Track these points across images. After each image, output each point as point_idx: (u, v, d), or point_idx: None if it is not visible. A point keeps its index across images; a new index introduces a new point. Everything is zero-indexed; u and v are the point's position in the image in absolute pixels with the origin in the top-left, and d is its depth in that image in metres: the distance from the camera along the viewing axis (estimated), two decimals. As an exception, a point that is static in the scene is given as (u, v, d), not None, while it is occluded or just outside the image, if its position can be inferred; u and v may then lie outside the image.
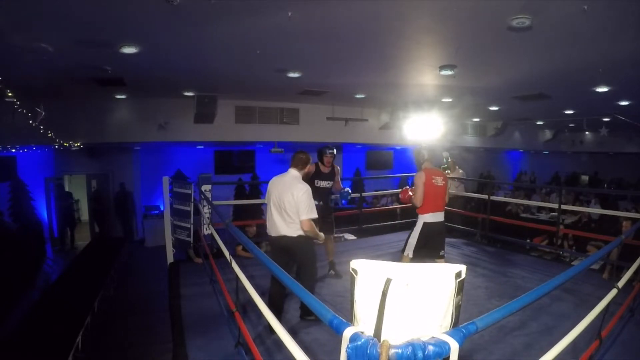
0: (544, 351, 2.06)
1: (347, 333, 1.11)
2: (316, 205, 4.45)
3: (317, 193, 4.63)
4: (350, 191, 5.03)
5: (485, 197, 6.69)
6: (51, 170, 10.91)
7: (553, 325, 3.47)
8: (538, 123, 12.62)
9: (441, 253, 4.18)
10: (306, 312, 3.55)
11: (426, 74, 6.00)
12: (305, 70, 5.96)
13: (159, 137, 8.91)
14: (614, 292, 2.65)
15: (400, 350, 0.99)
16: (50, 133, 7.25)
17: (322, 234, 3.70)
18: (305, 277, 3.49)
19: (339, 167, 4.99)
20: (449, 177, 7.54)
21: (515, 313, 1.57)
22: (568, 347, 2.15)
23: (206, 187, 5.59)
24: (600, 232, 6.58)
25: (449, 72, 5.52)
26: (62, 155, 10.49)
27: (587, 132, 14.93)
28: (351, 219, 7.19)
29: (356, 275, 1.19)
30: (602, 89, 6.67)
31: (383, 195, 11.87)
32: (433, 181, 4.08)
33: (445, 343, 1.05)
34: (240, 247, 5.41)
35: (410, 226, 4.37)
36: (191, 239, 5.39)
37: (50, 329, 5.40)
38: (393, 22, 3.85)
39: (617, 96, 7.38)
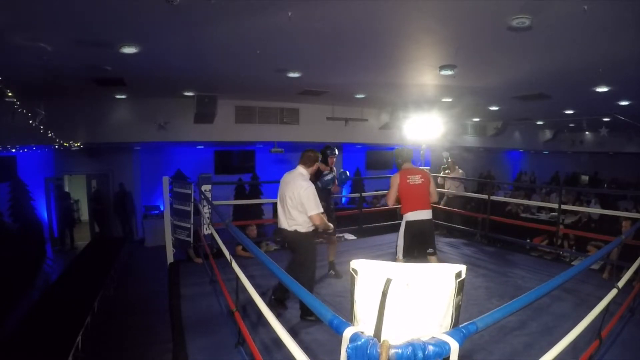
0: (544, 351, 2.06)
1: (347, 333, 1.11)
2: (322, 206, 4.53)
3: (320, 194, 4.63)
4: (348, 173, 4.89)
5: (485, 197, 6.69)
6: (51, 170, 10.92)
7: (553, 325, 3.47)
8: (538, 123, 12.62)
9: (429, 250, 4.16)
10: (306, 312, 3.56)
11: (426, 74, 6.00)
12: (305, 70, 5.96)
13: (159, 137, 8.91)
14: (614, 292, 2.65)
15: (400, 350, 0.99)
16: (50, 133, 7.24)
17: (331, 224, 3.85)
18: (300, 274, 3.48)
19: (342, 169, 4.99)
20: (449, 177, 7.61)
21: (515, 313, 1.56)
22: (568, 347, 2.15)
23: (206, 187, 5.59)
24: (601, 232, 6.58)
25: (449, 72, 5.52)
26: (62, 155, 10.49)
27: (587, 132, 14.94)
28: (351, 219, 7.19)
29: (356, 275, 1.19)
30: (602, 89, 6.68)
31: (383, 195, 11.86)
32: (408, 180, 4.11)
33: (445, 343, 1.05)
34: (240, 247, 5.40)
35: None
36: (191, 239, 5.39)
37: (50, 329, 5.40)
38: (393, 22, 3.86)
39: (617, 96, 7.38)
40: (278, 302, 3.75)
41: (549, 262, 5.93)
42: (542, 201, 10.88)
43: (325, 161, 4.70)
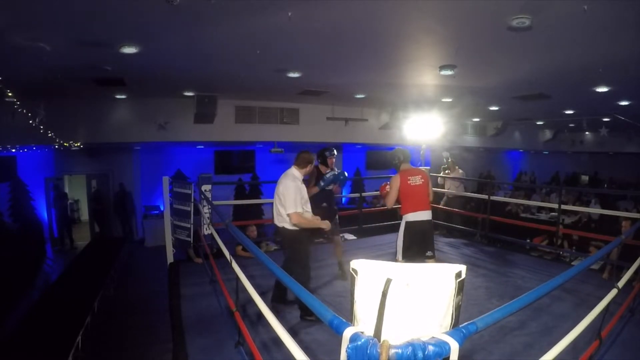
0: (544, 351, 2.06)
1: (347, 333, 1.11)
2: (323, 207, 4.55)
3: (322, 195, 4.66)
4: (346, 174, 4.85)
5: (485, 197, 6.69)
6: (51, 170, 10.92)
7: (553, 325, 3.47)
8: (538, 123, 12.62)
9: (428, 253, 4.11)
10: (306, 312, 3.55)
11: (426, 74, 6.00)
12: (305, 70, 5.96)
13: (159, 137, 8.90)
14: (614, 292, 2.65)
15: (400, 350, 0.99)
16: (50, 133, 7.25)
17: (325, 222, 3.80)
18: (292, 272, 3.46)
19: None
20: (449, 177, 7.61)
21: (515, 313, 1.56)
22: (568, 347, 2.15)
23: (206, 187, 5.59)
24: (601, 232, 6.58)
25: (449, 72, 5.51)
26: (62, 155, 10.49)
27: (587, 132, 14.93)
28: (351, 219, 7.19)
29: (356, 275, 1.19)
30: (602, 89, 6.67)
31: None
32: (409, 181, 4.09)
33: (445, 343, 1.05)
34: (240, 247, 5.40)
35: None
36: (191, 239, 5.39)
37: (50, 329, 5.40)
38: (393, 22, 3.85)
39: (617, 96, 7.38)
40: (306, 313, 3.63)
41: (549, 262, 5.93)
42: (542, 201, 10.88)
43: (324, 162, 4.71)
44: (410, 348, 1.00)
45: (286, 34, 4.19)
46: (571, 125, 13.04)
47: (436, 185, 7.46)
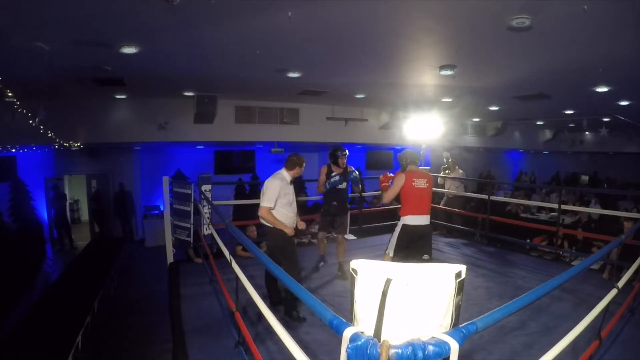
0: (544, 351, 2.06)
1: (347, 333, 1.11)
2: (333, 205, 4.75)
3: (333, 193, 4.70)
4: (357, 173, 5.06)
5: (485, 197, 6.69)
6: (51, 170, 10.91)
7: (553, 325, 3.47)
8: (538, 123, 12.62)
9: (424, 257, 4.03)
10: (290, 309, 3.66)
11: (426, 74, 6.00)
12: (305, 70, 5.96)
13: (159, 137, 8.90)
14: (614, 292, 2.65)
15: (400, 350, 1.00)
16: (50, 133, 7.24)
17: (288, 227, 3.81)
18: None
19: (352, 167, 5.03)
20: (449, 177, 7.61)
21: (515, 313, 1.57)
22: (568, 347, 2.15)
23: (206, 187, 5.59)
24: (600, 232, 6.58)
25: (449, 72, 5.52)
26: (62, 155, 10.48)
27: (587, 132, 14.92)
28: (351, 219, 7.17)
29: (356, 275, 1.19)
30: (602, 89, 6.67)
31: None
32: (414, 183, 4.01)
33: (445, 343, 1.05)
34: (240, 247, 5.41)
35: None
36: (191, 239, 5.39)
37: (50, 329, 5.40)
38: (393, 22, 3.85)
39: (617, 96, 7.38)
40: (278, 303, 3.80)
41: (549, 262, 5.93)
42: (542, 201, 10.87)
43: (336, 162, 4.77)
44: (410, 348, 1.00)
45: (286, 34, 4.19)
46: (571, 125, 13.04)
47: (436, 185, 7.45)
